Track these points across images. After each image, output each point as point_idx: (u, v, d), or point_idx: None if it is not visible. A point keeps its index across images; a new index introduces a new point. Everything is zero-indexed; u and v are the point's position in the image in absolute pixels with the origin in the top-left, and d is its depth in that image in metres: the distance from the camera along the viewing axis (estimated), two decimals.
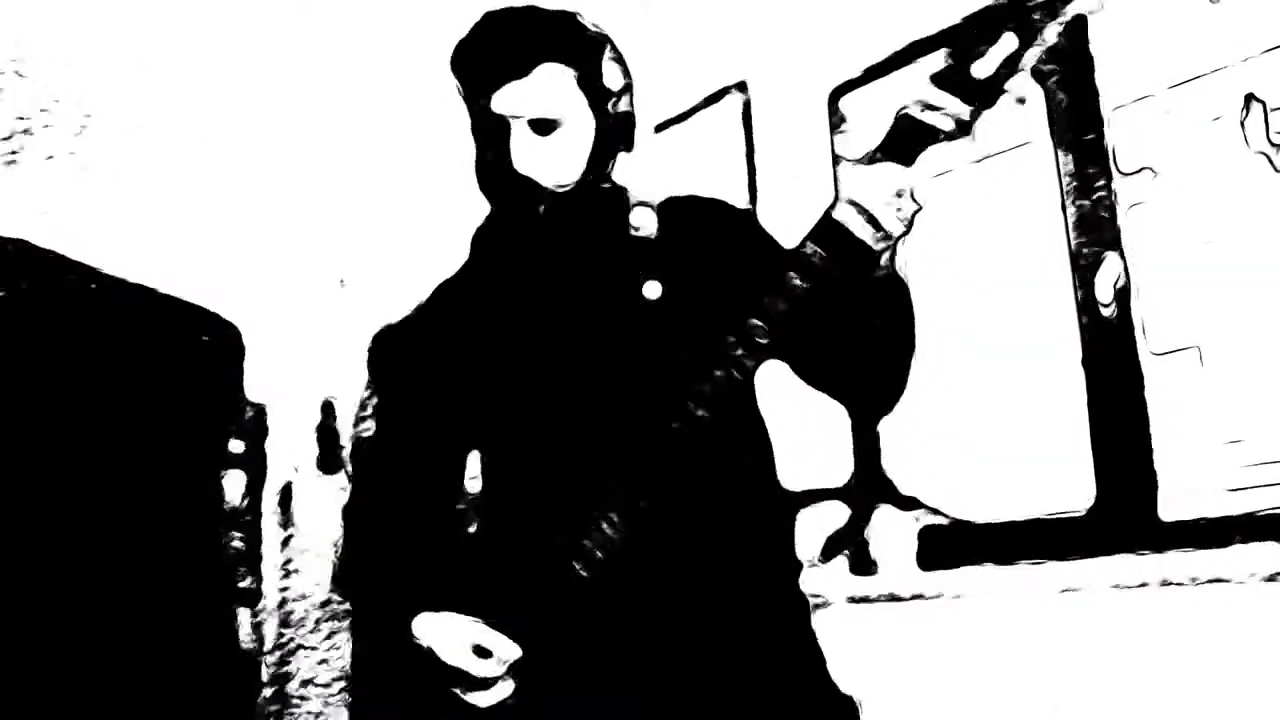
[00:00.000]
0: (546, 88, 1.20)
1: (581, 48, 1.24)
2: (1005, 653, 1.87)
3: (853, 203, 1.08)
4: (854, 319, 1.12)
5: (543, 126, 1.20)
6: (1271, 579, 1.61)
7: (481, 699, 1.13)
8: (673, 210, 1.28)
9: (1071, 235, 1.97)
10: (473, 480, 1.28)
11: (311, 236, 3.28)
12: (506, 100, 1.21)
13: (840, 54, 2.35)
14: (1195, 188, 1.82)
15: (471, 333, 1.30)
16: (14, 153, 2.65)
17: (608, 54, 1.27)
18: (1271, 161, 1.73)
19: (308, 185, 3.22)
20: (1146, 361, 1.85)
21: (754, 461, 1.23)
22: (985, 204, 2.08)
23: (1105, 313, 1.91)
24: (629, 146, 1.28)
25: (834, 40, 2.37)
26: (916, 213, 1.10)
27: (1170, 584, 1.71)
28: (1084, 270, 1.94)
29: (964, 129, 1.06)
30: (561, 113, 1.20)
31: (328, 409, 3.19)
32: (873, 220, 1.07)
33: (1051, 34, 1.03)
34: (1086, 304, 1.93)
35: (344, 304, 3.29)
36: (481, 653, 1.14)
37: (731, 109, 2.59)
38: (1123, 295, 1.89)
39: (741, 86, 2.57)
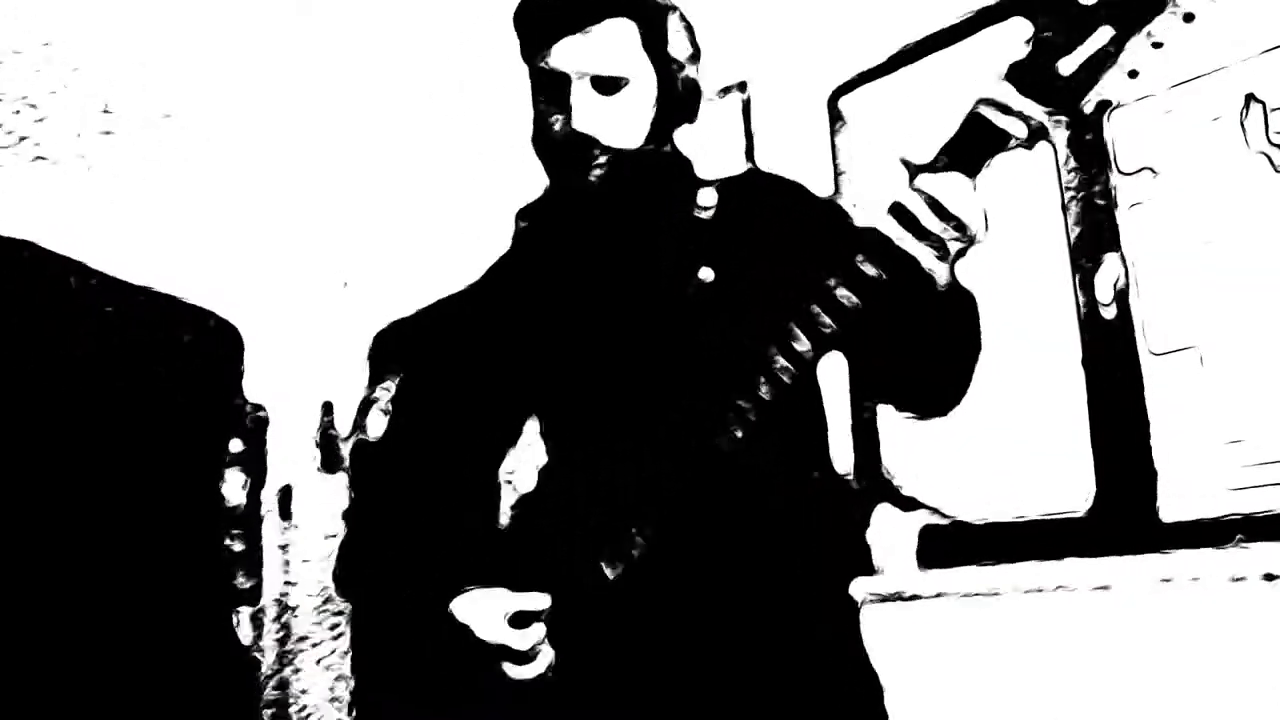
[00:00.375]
0: (611, 43, 1.14)
1: (648, 9, 1.18)
2: (1005, 653, 1.87)
3: (899, 211, 1.00)
4: (918, 329, 1.08)
5: (606, 85, 1.14)
6: (1272, 579, 1.61)
7: (523, 671, 1.10)
8: (738, 189, 1.22)
9: (1071, 235, 1.97)
10: (516, 468, 1.24)
11: (312, 237, 3.28)
12: (568, 54, 1.15)
13: (840, 54, 2.35)
14: (1195, 188, 1.82)
15: (526, 312, 1.25)
16: (10, 147, 2.65)
17: (675, 20, 1.21)
18: (1271, 161, 1.73)
19: (308, 185, 3.22)
20: (1146, 361, 1.85)
21: (811, 455, 1.18)
22: (985, 204, 2.07)
23: (1105, 313, 1.91)
24: (692, 118, 1.22)
25: (834, 40, 2.37)
26: (972, 235, 1.03)
27: (1170, 584, 1.71)
28: (1084, 270, 1.94)
29: (1038, 136, 0.99)
30: (626, 71, 1.14)
31: (328, 409, 3.19)
32: (926, 235, 1.01)
33: (1160, 28, 0.96)
34: (1087, 304, 1.93)
35: (344, 304, 3.29)
36: (518, 622, 1.10)
37: (731, 109, 2.59)
38: (1123, 295, 1.89)
39: (741, 86, 2.57)
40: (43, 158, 2.72)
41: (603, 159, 1.15)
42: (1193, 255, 1.82)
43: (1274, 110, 1.74)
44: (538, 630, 1.09)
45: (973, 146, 1.00)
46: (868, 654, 1.17)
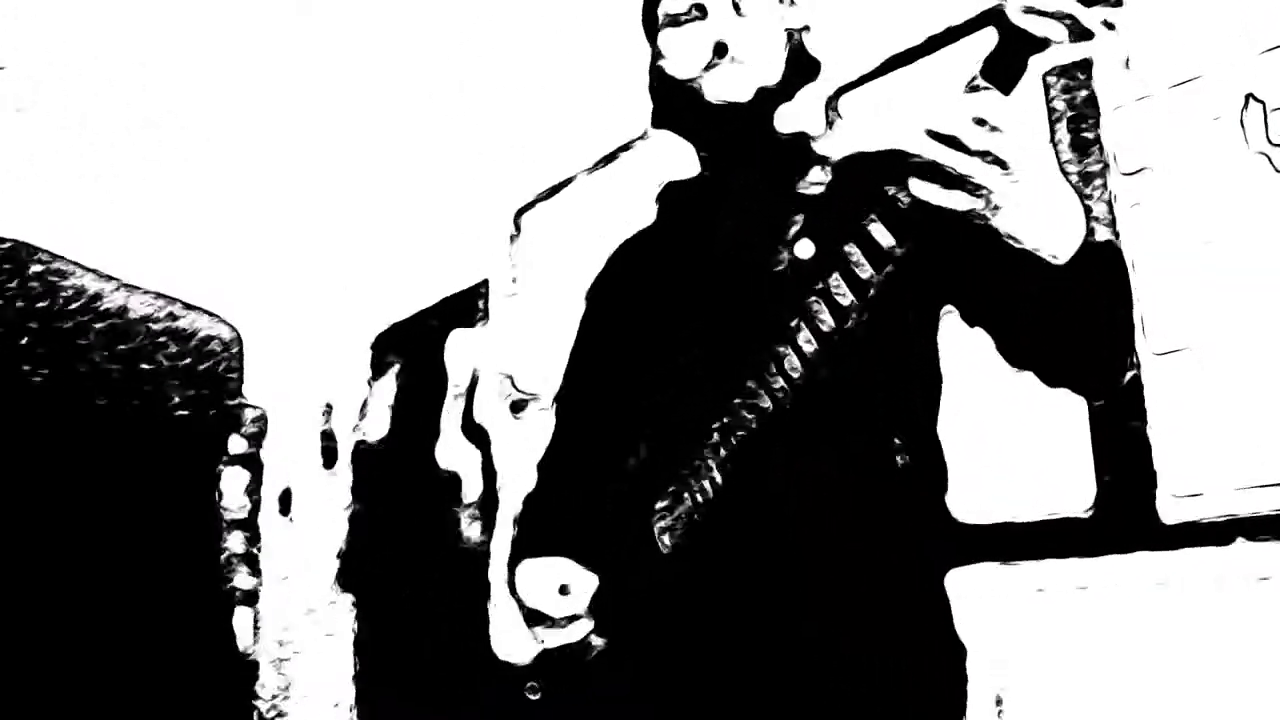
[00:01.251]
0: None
1: None
2: (1005, 653, 1.87)
3: (923, 167, 0.88)
4: (1059, 295, 0.96)
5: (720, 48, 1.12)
6: (1272, 580, 1.61)
7: (554, 638, 1.08)
8: (854, 167, 1.17)
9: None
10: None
11: (311, 237, 3.28)
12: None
13: (840, 54, 2.35)
14: (1195, 188, 1.82)
15: (652, 286, 1.21)
16: (11, 147, 2.65)
17: None
18: (1271, 161, 1.73)
19: (308, 185, 3.22)
20: (1146, 361, 1.85)
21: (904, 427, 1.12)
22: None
23: None
24: (814, 77, 1.20)
25: (834, 40, 2.37)
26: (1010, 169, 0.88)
27: (1170, 584, 1.71)
28: None
29: (1081, 33, 0.89)
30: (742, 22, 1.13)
31: (328, 409, 3.19)
32: (958, 181, 0.88)
33: None
34: None
35: (344, 304, 3.29)
36: (564, 590, 1.09)
37: None
38: None
39: None
40: (43, 158, 2.72)
41: (724, 115, 1.13)
42: (1193, 255, 1.82)
43: (1274, 110, 1.74)
44: (579, 602, 1.08)
45: (1007, 58, 0.90)
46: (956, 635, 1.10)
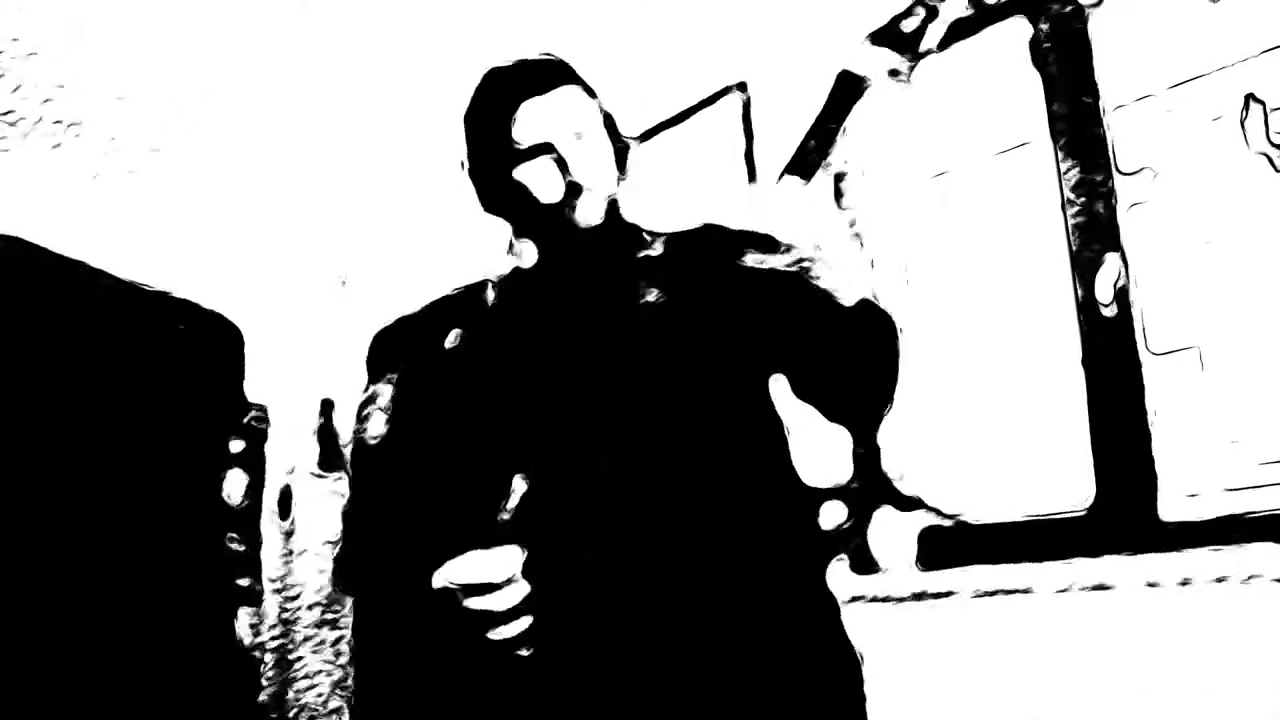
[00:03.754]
0: (570, 106, 1.27)
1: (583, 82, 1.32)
2: (1005, 653, 1.87)
3: (757, 239, 1.14)
4: (832, 345, 1.18)
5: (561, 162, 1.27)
6: (1271, 580, 1.61)
7: (506, 630, 1.16)
8: (677, 242, 1.34)
9: (1071, 235, 1.97)
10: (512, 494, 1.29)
11: (311, 236, 3.29)
12: (529, 121, 1.27)
13: (840, 54, 2.35)
14: (1195, 188, 1.82)
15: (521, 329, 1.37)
16: (12, 148, 2.65)
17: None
18: (1271, 161, 1.73)
19: (308, 185, 3.22)
20: (1146, 361, 1.85)
21: (770, 458, 1.24)
22: (985, 204, 2.08)
23: (1105, 313, 1.91)
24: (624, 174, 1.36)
25: (834, 40, 2.37)
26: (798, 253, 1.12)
27: (1170, 584, 1.71)
28: (1084, 270, 1.94)
29: (893, 74, 1.13)
30: (584, 129, 1.27)
31: (327, 409, 3.19)
32: (780, 246, 1.15)
33: None
34: (1086, 304, 1.93)
35: (344, 304, 3.29)
36: (488, 585, 1.16)
37: (731, 109, 2.59)
38: (1123, 295, 1.89)
39: (742, 86, 2.57)
40: (43, 159, 2.72)
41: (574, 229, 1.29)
42: (1193, 255, 1.82)
43: (1274, 110, 1.74)
44: (518, 589, 1.14)
45: (841, 98, 1.13)
46: (848, 642, 1.21)
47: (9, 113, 2.64)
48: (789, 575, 1.19)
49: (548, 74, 1.28)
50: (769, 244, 1.12)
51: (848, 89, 1.11)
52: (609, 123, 1.32)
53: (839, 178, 1.13)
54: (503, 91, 1.28)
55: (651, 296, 1.24)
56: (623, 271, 1.29)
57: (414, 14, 2.76)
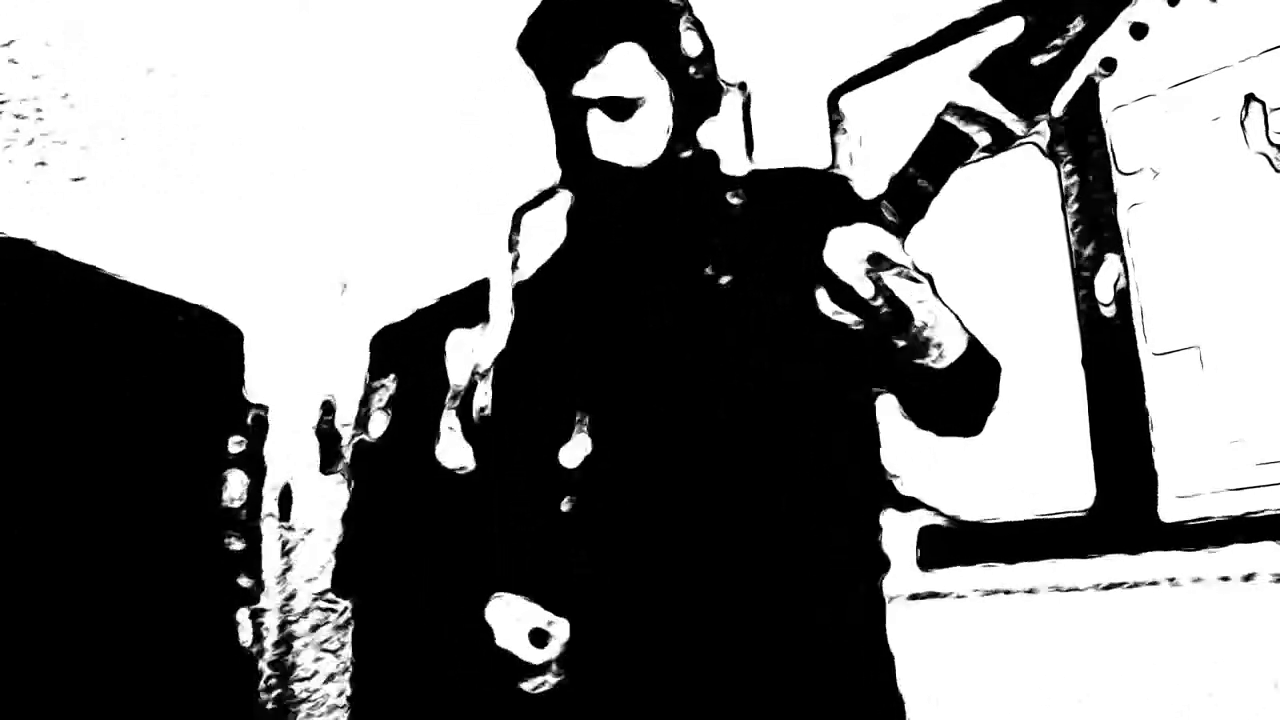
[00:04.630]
0: (621, 71, 1.17)
1: (654, 20, 1.20)
2: (1005, 653, 1.87)
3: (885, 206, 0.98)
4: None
5: (621, 110, 1.18)
6: (1271, 579, 1.61)
7: (530, 684, 1.11)
8: (761, 185, 1.26)
9: (1071, 235, 1.97)
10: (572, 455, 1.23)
11: (311, 237, 3.28)
12: (581, 87, 1.18)
13: (840, 54, 2.35)
14: (1195, 188, 1.82)
15: (572, 313, 1.28)
16: (13, 148, 2.65)
17: (684, 21, 1.23)
18: (1271, 161, 1.73)
19: (308, 185, 3.22)
20: (1146, 361, 1.85)
21: (842, 450, 1.17)
22: (985, 204, 2.08)
23: (1105, 313, 1.91)
24: (714, 111, 1.26)
25: (834, 40, 2.37)
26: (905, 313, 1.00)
27: (1170, 584, 1.71)
28: (1084, 270, 1.94)
29: (1006, 140, 0.94)
30: (639, 92, 1.18)
31: (327, 408, 3.19)
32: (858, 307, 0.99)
33: (1139, 12, 0.89)
34: (1086, 304, 1.93)
35: (344, 304, 3.29)
36: (538, 639, 1.11)
37: (731, 109, 2.59)
38: (1123, 295, 1.89)
39: (741, 86, 2.57)
40: (42, 159, 2.72)
41: (625, 180, 1.18)
42: (1193, 255, 1.82)
43: (1274, 110, 1.74)
44: (553, 650, 1.10)
45: (940, 156, 0.96)
46: (887, 646, 1.15)
47: (8, 113, 2.64)
48: (847, 573, 1.14)
49: (602, 32, 1.18)
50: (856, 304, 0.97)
51: (950, 146, 0.95)
52: (679, 66, 1.21)
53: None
54: (552, 54, 1.20)
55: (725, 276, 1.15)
56: (697, 228, 1.19)
57: (414, 14, 2.76)
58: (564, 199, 1.32)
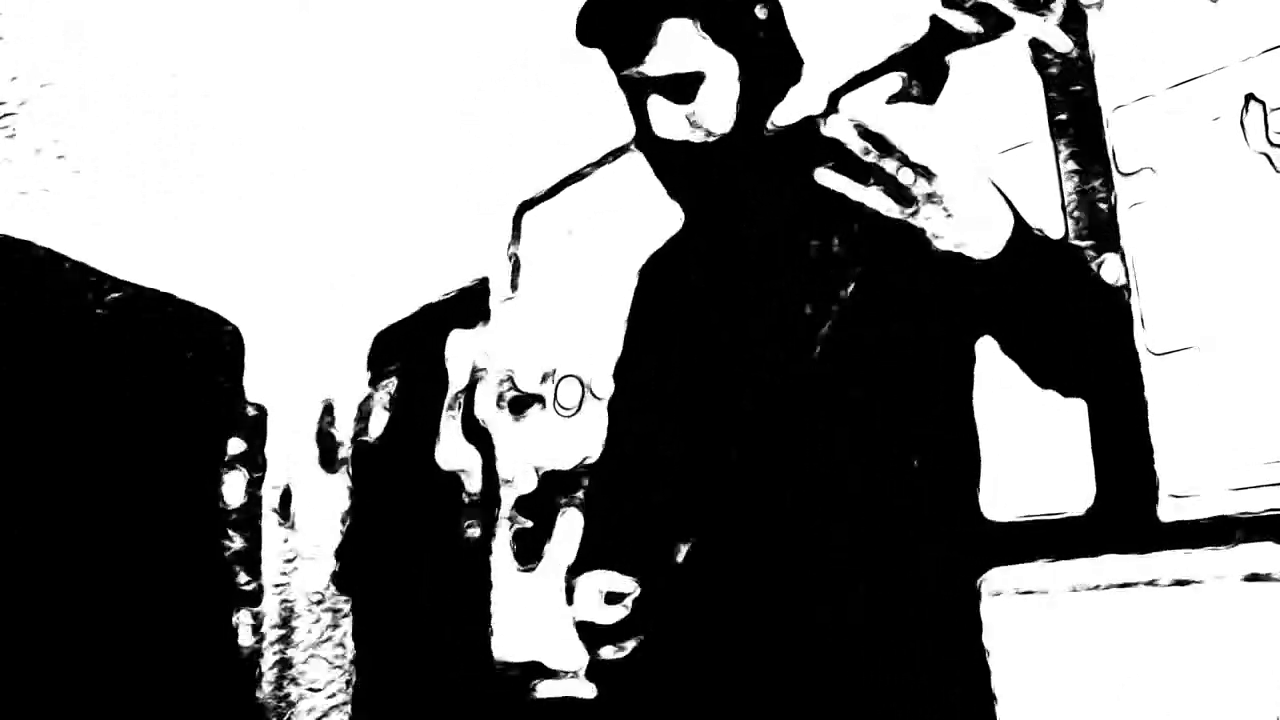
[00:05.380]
0: (673, 47, 1.13)
1: None
2: (1003, 653, 1.87)
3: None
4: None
5: (681, 88, 1.13)
6: (1270, 579, 1.61)
7: (608, 652, 1.07)
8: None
9: (1071, 235, 1.97)
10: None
11: (311, 236, 3.28)
12: (636, 69, 1.14)
13: (840, 54, 2.35)
14: (1195, 188, 1.82)
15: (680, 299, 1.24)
16: (12, 148, 2.65)
17: None
18: (1271, 161, 1.73)
19: (308, 185, 3.22)
20: (1146, 361, 1.85)
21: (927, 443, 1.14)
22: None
23: None
24: (794, 80, 1.22)
25: (833, 40, 2.37)
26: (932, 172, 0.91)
27: (1170, 584, 1.71)
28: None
29: (1000, 26, 0.91)
30: (695, 67, 1.13)
31: (327, 409, 3.19)
32: (874, 176, 0.93)
33: None
34: None
35: (344, 304, 3.29)
36: (611, 599, 1.08)
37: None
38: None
39: None
40: (42, 159, 2.72)
41: (699, 157, 1.13)
42: (1193, 255, 1.82)
43: (1274, 110, 1.74)
44: (622, 610, 1.07)
45: (929, 49, 0.94)
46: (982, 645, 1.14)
47: (8, 113, 2.64)
48: (943, 571, 1.10)
49: (651, 11, 1.12)
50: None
51: (941, 39, 0.93)
52: (742, 34, 1.16)
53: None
54: (604, 39, 1.16)
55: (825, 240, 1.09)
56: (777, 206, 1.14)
57: (414, 14, 2.76)
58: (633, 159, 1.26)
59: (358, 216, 3.30)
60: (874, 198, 0.93)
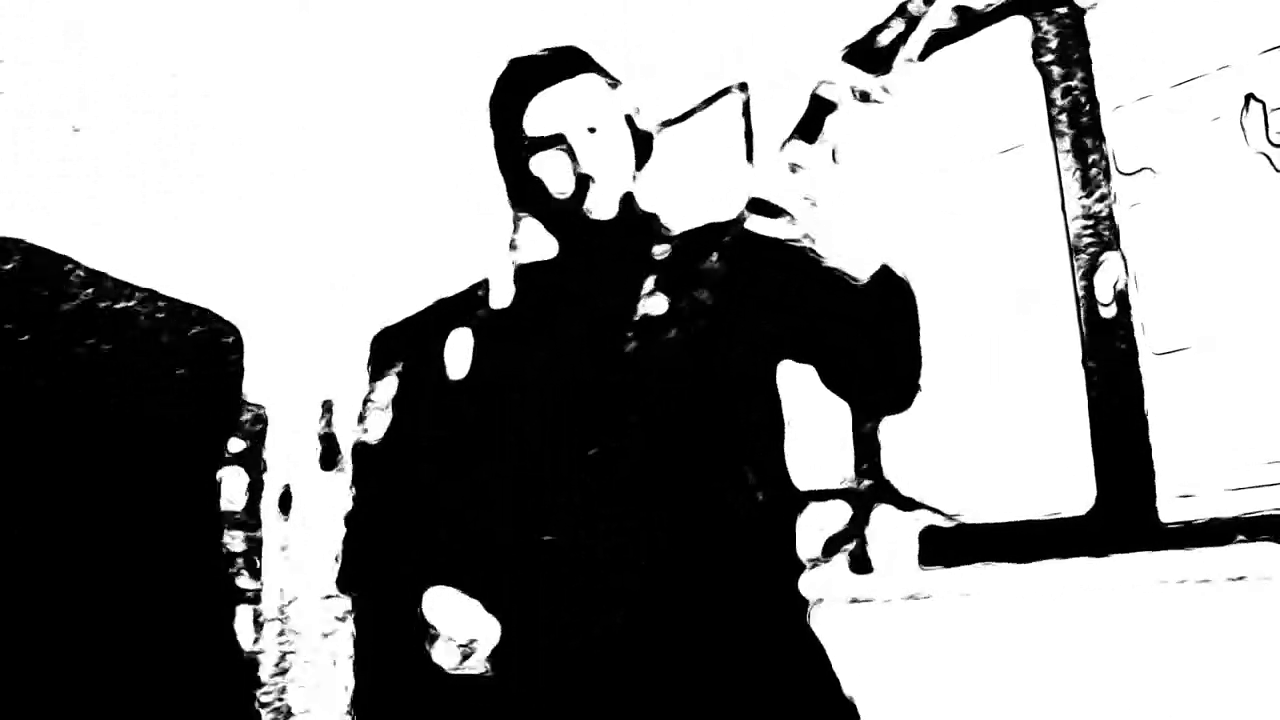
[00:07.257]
0: (586, 96, 1.27)
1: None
2: (1005, 653, 1.87)
3: (755, 203, 1.10)
4: (858, 321, 1.14)
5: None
6: (1270, 580, 1.61)
7: (465, 667, 1.19)
8: (686, 238, 1.32)
9: (1071, 235, 1.97)
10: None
11: (311, 236, 3.29)
12: (542, 111, 1.26)
13: (840, 54, 2.35)
14: (1195, 188, 1.82)
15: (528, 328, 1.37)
16: (12, 148, 2.65)
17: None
18: (1271, 161, 1.73)
19: (308, 185, 3.22)
20: (1146, 361, 1.85)
21: (760, 456, 1.22)
22: (985, 204, 2.08)
23: (1105, 313, 1.91)
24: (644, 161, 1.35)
25: (833, 40, 2.37)
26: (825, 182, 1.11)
27: (1170, 584, 1.71)
28: (1084, 270, 1.94)
29: (864, 98, 1.12)
30: (599, 120, 1.26)
31: (327, 409, 3.19)
32: (778, 211, 1.10)
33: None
34: (1086, 304, 1.93)
35: (344, 304, 3.29)
36: (466, 650, 1.19)
37: (731, 109, 2.59)
38: (1123, 295, 1.89)
39: (742, 86, 2.57)
40: (41, 159, 2.72)
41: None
42: (1193, 255, 1.82)
43: (1274, 110, 1.74)
44: (483, 649, 1.18)
45: (812, 117, 1.13)
46: (815, 638, 1.18)
47: (7, 112, 2.64)
48: (763, 576, 1.17)
49: (564, 63, 1.26)
50: (767, 208, 1.10)
51: (820, 111, 1.12)
52: (630, 113, 1.31)
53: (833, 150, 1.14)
54: (518, 82, 1.27)
55: (655, 301, 1.23)
56: (633, 267, 1.27)
57: (414, 14, 2.76)
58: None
59: (358, 216, 3.30)
60: (782, 231, 1.11)
